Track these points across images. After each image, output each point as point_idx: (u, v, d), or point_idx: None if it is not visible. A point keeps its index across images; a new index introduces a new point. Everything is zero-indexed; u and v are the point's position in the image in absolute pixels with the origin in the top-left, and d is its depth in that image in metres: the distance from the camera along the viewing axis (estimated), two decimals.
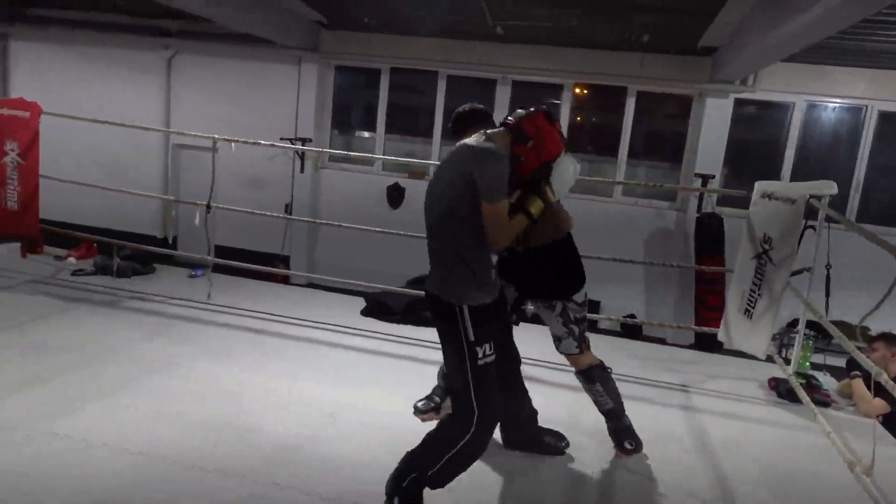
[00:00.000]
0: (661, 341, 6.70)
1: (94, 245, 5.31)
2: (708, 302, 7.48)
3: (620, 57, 7.95)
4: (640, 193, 8.31)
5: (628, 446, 2.83)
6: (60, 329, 3.79)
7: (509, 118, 2.39)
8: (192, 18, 8.07)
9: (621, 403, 2.86)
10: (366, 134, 9.37)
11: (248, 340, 3.96)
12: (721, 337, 3.81)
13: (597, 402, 2.85)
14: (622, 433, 2.85)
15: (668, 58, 7.84)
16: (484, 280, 2.26)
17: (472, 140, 2.32)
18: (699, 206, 7.84)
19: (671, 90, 8.15)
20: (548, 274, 2.80)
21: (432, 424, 2.62)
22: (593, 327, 7.59)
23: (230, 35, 8.30)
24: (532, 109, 2.37)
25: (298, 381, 3.39)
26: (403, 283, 6.05)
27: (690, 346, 6.68)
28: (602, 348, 4.41)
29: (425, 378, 3.32)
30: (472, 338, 2.22)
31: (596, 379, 2.81)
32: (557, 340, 2.83)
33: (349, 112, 9.54)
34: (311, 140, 8.77)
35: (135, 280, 4.91)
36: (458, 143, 2.38)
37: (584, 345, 2.82)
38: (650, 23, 6.78)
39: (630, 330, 7.62)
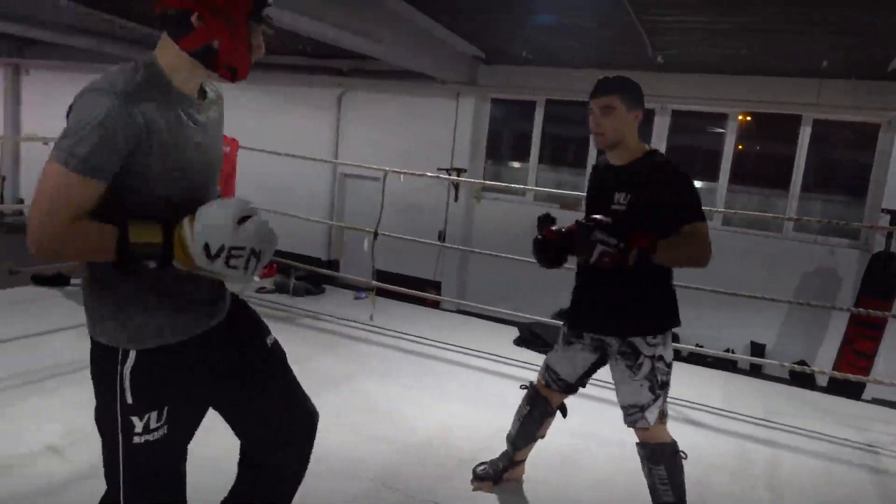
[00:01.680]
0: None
1: (275, 265, 5.86)
2: (857, 346, 6.70)
3: (794, 84, 7.45)
4: (817, 230, 7.66)
5: None
6: None
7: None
8: (361, 58, 8.72)
9: (684, 500, 2.25)
10: (517, 164, 9.52)
11: (409, 362, 4.16)
12: None
13: (653, 490, 2.26)
14: None
15: (851, 83, 7.22)
16: (132, 298, 1.38)
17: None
18: (887, 245, 7.06)
19: (854, 118, 7.48)
20: (638, 299, 2.18)
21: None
22: (757, 372, 7.12)
23: (394, 72, 8.86)
24: None
25: (456, 404, 3.51)
26: (552, 314, 6.05)
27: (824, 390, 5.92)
28: (769, 395, 4.14)
29: (577, 411, 3.30)
30: (128, 400, 1.38)
31: (663, 461, 2.23)
32: (625, 410, 2.22)
33: (502, 142, 9.75)
34: (465, 170, 9.07)
35: (307, 299, 5.36)
36: None
37: (664, 416, 2.25)
38: (831, 48, 6.30)
39: (798, 377, 6.98)
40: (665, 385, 2.19)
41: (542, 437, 2.60)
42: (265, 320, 4.79)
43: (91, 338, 1.43)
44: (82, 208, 1.24)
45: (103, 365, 1.40)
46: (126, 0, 7.39)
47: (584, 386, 2.46)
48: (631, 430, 2.27)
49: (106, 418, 1.43)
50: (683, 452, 2.26)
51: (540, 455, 2.74)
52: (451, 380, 3.92)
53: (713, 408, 3.75)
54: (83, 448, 2.65)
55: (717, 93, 7.80)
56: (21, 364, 3.41)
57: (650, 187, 2.10)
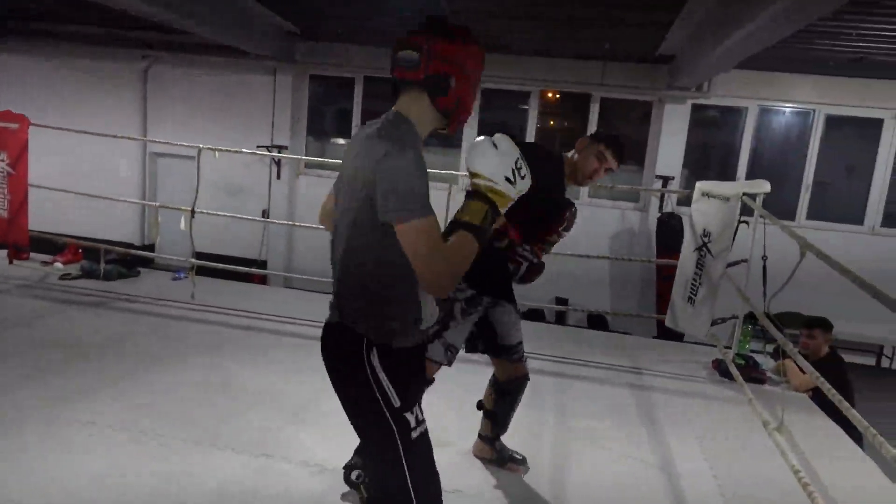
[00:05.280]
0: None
1: (80, 250, 5.51)
2: (667, 297, 7.89)
3: (583, 65, 8.35)
4: (605, 195, 8.71)
5: (517, 457, 2.79)
6: (57, 327, 4.03)
7: (401, 59, 1.57)
8: (169, 30, 8.28)
9: None
10: (341, 140, 9.65)
11: (235, 338, 4.22)
12: (668, 322, 4.18)
13: (503, 417, 2.72)
14: (507, 451, 2.79)
15: (629, 66, 8.26)
16: (409, 312, 1.62)
17: (380, 122, 1.59)
18: (661, 207, 8.26)
19: (632, 97, 8.57)
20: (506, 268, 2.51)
21: None
22: (562, 321, 8.01)
23: (207, 46, 8.53)
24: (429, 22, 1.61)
25: (288, 373, 3.65)
26: None
27: (654, 338, 7.05)
28: (569, 339, 4.80)
29: None
30: (395, 402, 1.56)
31: (521, 390, 2.70)
32: (513, 349, 2.61)
33: (324, 119, 9.81)
34: (286, 147, 9.02)
35: (121, 283, 5.14)
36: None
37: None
38: (609, 34, 7.17)
39: (595, 324, 8.03)
40: None
41: None
42: (72, 308, 4.63)
43: (345, 328, 1.62)
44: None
45: (353, 363, 1.59)
46: None
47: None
48: None
49: (375, 427, 1.59)
50: None
51: None
52: (284, 349, 4.05)
53: None
54: None
55: (520, 72, 8.51)
56: None
57: None
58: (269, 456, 2.70)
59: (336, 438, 2.89)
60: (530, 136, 8.84)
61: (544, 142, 8.99)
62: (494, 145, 1.57)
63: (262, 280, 7.91)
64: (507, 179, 1.55)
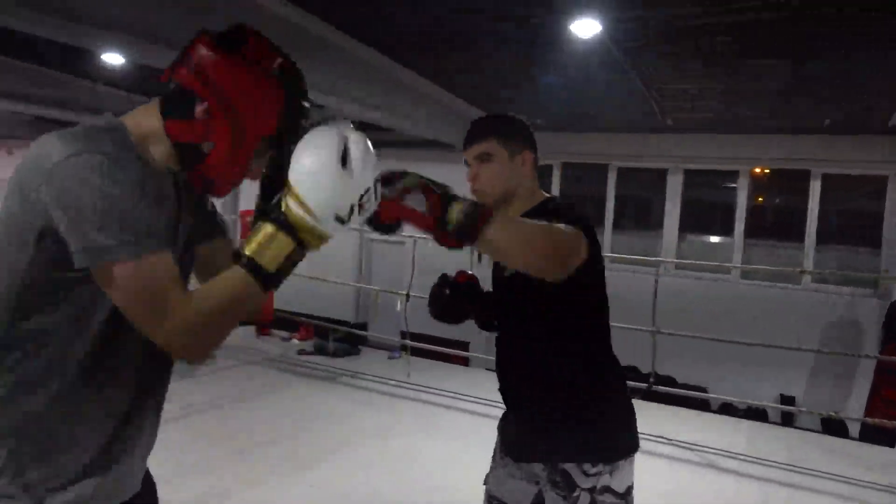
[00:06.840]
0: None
1: (312, 328, 6.20)
2: (885, 394, 6.75)
3: (800, 140, 7.79)
4: (834, 280, 7.83)
5: None
6: (293, 399, 4.57)
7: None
8: (384, 129, 9.23)
9: None
10: None
11: (446, 417, 4.42)
12: None
13: None
14: None
15: (855, 138, 7.54)
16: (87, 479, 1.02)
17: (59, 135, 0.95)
18: None
19: (861, 171, 7.77)
20: (574, 409, 1.58)
21: None
22: (788, 423, 7.16)
23: (415, 141, 9.37)
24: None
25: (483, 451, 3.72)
26: None
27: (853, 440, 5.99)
28: (796, 442, 4.29)
29: None
30: None
31: None
32: None
33: None
34: None
35: (345, 360, 5.66)
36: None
37: None
38: (833, 108, 6.66)
39: (831, 428, 7.05)
40: None
41: None
42: (305, 379, 5.15)
43: None
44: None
45: None
46: None
47: None
48: None
49: None
50: None
51: None
52: (481, 428, 4.14)
53: (739, 454, 3.91)
54: None
55: (726, 151, 8.16)
56: None
57: None
58: None
59: None
60: (740, 217, 8.31)
61: (754, 223, 8.41)
62: (343, 159, 0.97)
63: (464, 360, 8.16)
64: (339, 219, 1.02)
